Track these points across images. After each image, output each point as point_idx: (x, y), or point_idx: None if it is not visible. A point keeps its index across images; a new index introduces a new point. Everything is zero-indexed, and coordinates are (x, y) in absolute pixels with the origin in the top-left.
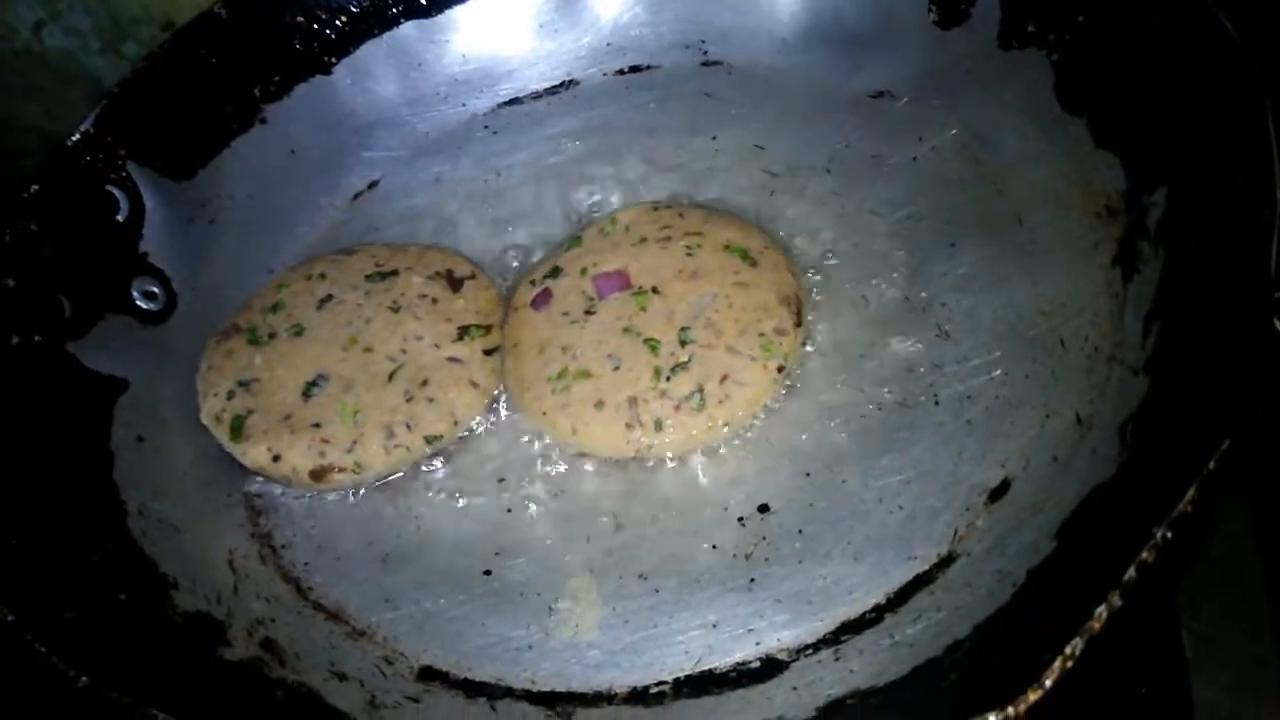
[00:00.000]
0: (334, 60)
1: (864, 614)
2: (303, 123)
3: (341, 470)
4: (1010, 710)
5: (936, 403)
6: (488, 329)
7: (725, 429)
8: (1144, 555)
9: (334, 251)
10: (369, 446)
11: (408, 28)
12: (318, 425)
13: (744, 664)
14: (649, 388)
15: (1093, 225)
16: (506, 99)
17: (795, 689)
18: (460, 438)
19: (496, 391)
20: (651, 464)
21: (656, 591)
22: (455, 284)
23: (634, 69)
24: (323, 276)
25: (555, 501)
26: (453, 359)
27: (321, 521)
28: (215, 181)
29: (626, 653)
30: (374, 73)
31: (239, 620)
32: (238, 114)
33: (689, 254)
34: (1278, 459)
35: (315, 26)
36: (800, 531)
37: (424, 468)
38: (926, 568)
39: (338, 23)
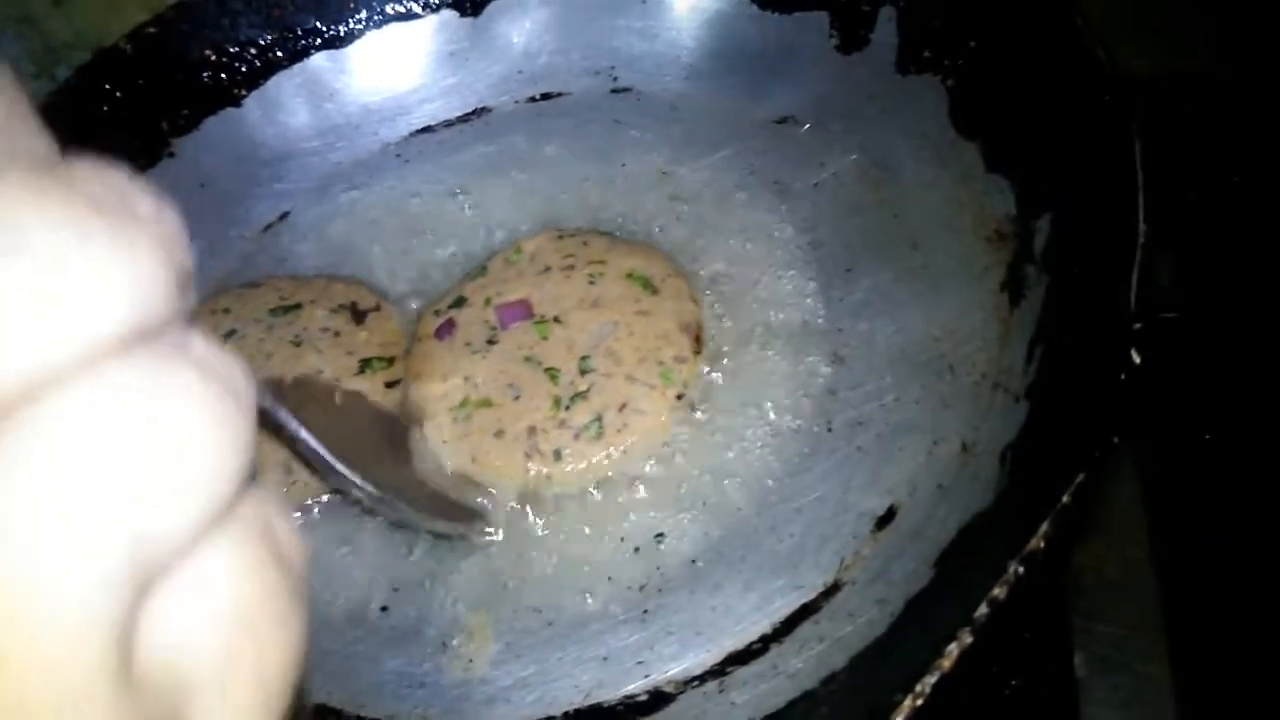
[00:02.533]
0: (244, 92)
1: (750, 644)
2: (212, 156)
3: None
4: None
5: (830, 429)
6: (390, 361)
7: (623, 456)
8: (997, 593)
9: (240, 285)
10: (267, 485)
11: (319, 58)
12: None
13: (632, 697)
14: (548, 417)
15: (984, 250)
16: (419, 127)
17: None
18: None
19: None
20: (550, 495)
21: (550, 624)
22: (359, 316)
23: (545, 96)
24: (227, 311)
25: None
26: (353, 393)
27: None
28: None
29: (517, 688)
30: (285, 104)
31: None
32: (144, 148)
33: (591, 282)
34: (1174, 480)
35: (224, 59)
36: (694, 561)
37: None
38: (812, 596)
39: (247, 55)
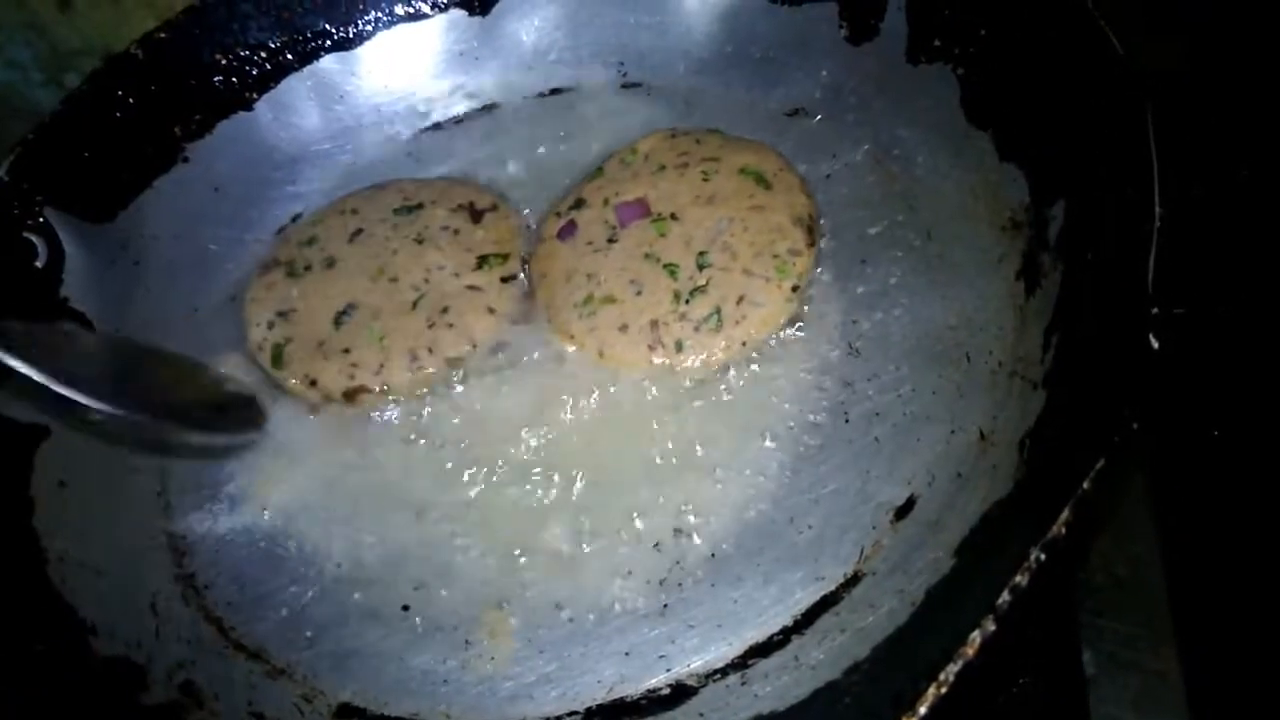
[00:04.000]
0: (255, 96)
1: (771, 637)
2: (225, 159)
3: (370, 392)
4: None
5: (846, 420)
6: (505, 258)
7: (742, 347)
8: (1019, 580)
9: (366, 188)
10: (395, 369)
11: (328, 60)
12: (348, 351)
13: (655, 691)
14: (669, 311)
15: (998, 239)
16: (429, 125)
17: (701, 715)
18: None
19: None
20: (575, 484)
21: (571, 621)
22: (476, 216)
23: (554, 91)
24: (354, 211)
25: (474, 534)
26: (472, 287)
27: (244, 561)
28: (137, 222)
29: (540, 684)
30: (296, 106)
31: (159, 664)
32: (159, 154)
33: (705, 179)
34: (1182, 478)
35: (235, 63)
36: (713, 555)
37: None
38: (833, 588)
39: (258, 59)
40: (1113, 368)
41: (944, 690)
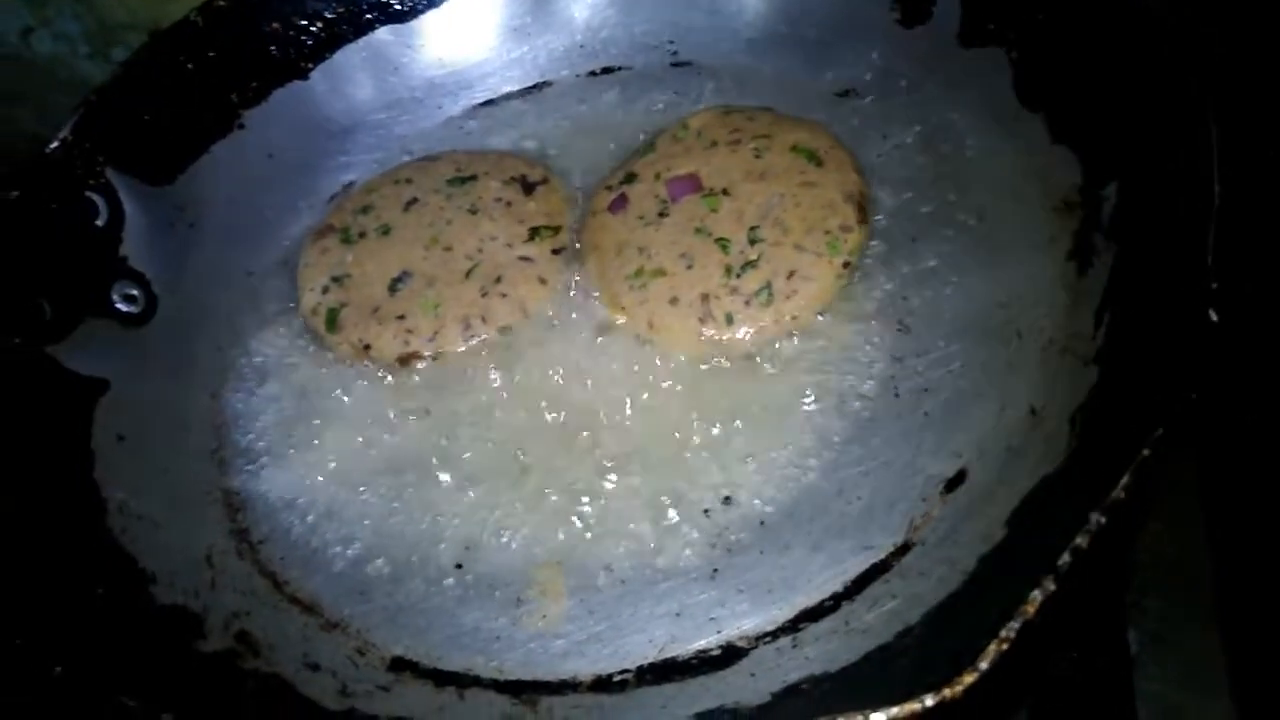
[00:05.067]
0: (311, 66)
1: (822, 602)
2: (280, 128)
3: (422, 357)
4: (946, 692)
5: (896, 395)
6: (556, 230)
7: (792, 321)
8: (1079, 541)
9: (419, 158)
10: (448, 336)
11: (383, 33)
12: (402, 317)
13: (705, 651)
14: (720, 284)
15: (1049, 219)
16: (481, 101)
17: (753, 675)
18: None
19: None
20: (624, 451)
21: (622, 583)
22: (528, 188)
23: (605, 70)
24: (409, 181)
25: (524, 498)
26: (524, 258)
27: (297, 518)
28: (194, 186)
29: (591, 642)
30: (350, 77)
31: (215, 613)
32: (216, 120)
33: (757, 156)
34: (1228, 459)
35: (292, 33)
36: (762, 523)
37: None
38: (883, 557)
39: (314, 29)
40: (1171, 341)
41: (1005, 647)
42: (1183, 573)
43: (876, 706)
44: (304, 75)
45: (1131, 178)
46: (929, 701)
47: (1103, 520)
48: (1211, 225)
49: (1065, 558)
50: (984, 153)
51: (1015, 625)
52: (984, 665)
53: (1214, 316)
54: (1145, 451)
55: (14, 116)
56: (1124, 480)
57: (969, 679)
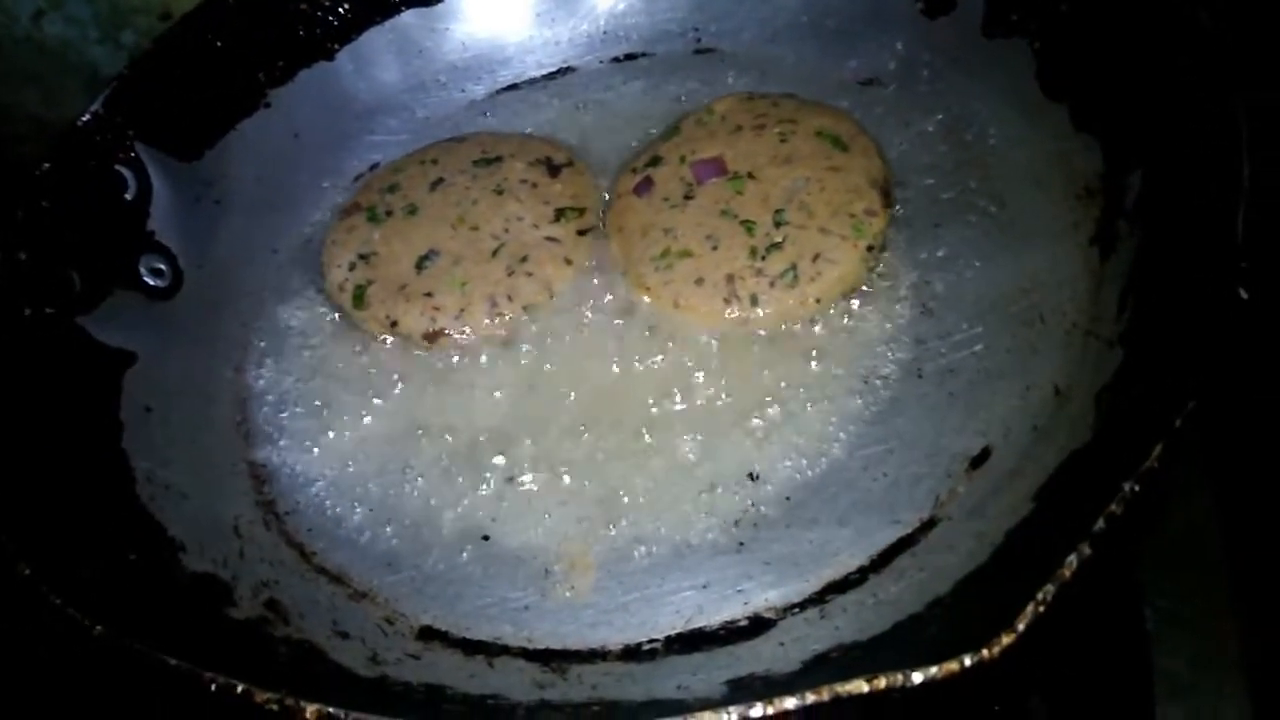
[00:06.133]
0: (337, 46)
1: (848, 575)
2: (306, 107)
3: (449, 335)
4: (984, 653)
5: (919, 376)
6: (582, 211)
7: (816, 304)
8: (1113, 508)
9: (445, 139)
10: (475, 314)
11: (409, 15)
12: (430, 295)
13: (732, 622)
14: (745, 266)
15: (1072, 206)
16: (504, 85)
17: (782, 645)
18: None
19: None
20: (649, 429)
21: (649, 555)
22: (554, 170)
23: (629, 56)
24: (435, 161)
25: (551, 472)
26: (550, 238)
27: (323, 489)
28: (221, 162)
29: (619, 612)
30: (376, 59)
31: (244, 582)
32: (243, 97)
33: (783, 140)
34: (1240, 443)
35: (319, 13)
36: (787, 499)
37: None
38: (909, 531)
39: (340, 9)
40: (1200, 318)
41: (1042, 610)
42: (1197, 556)
43: (914, 667)
44: (330, 56)
45: (1157, 164)
46: (967, 661)
47: (1136, 488)
48: (1241, 205)
49: (1100, 524)
50: (1006, 141)
51: (1051, 588)
52: (1021, 626)
53: (1244, 294)
54: (1177, 423)
55: (22, 100)
56: (1157, 451)
57: (1007, 639)
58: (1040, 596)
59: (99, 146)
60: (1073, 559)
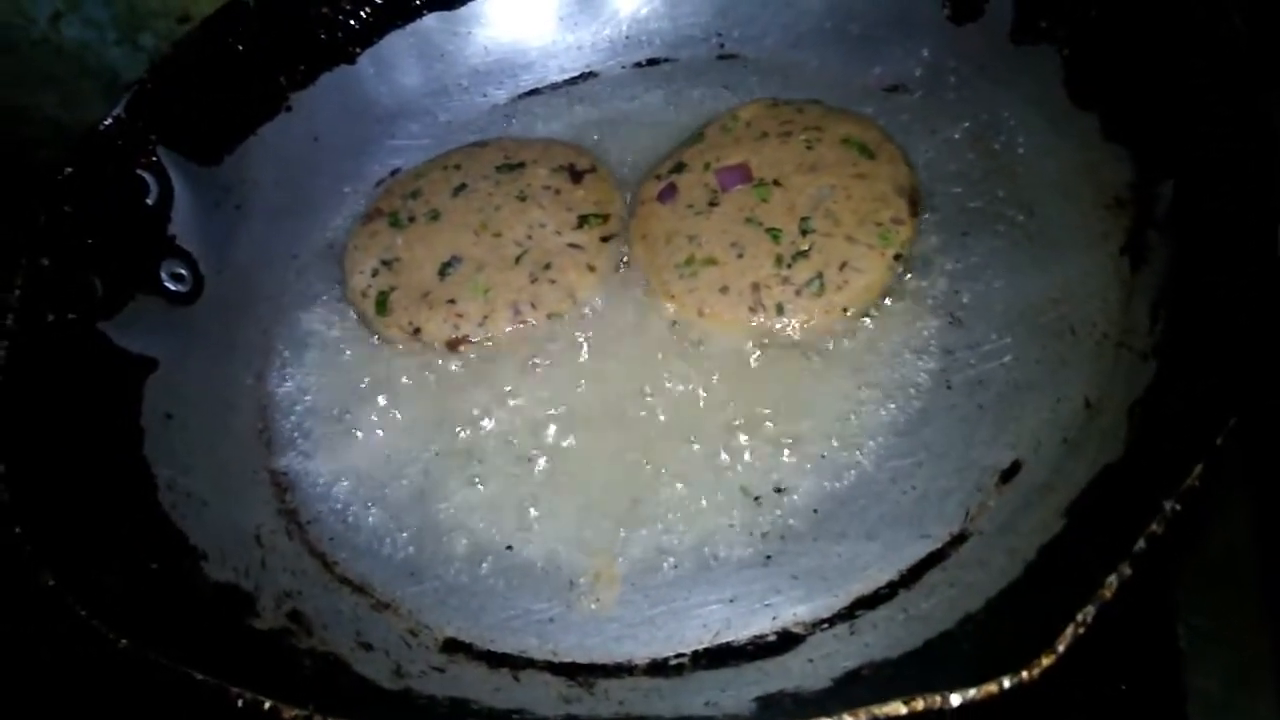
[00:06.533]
0: (358, 50)
1: (878, 590)
2: (327, 111)
3: (471, 342)
4: (1024, 674)
5: (949, 387)
6: (605, 218)
7: (843, 313)
8: (1154, 527)
9: (467, 144)
10: (498, 321)
11: (430, 19)
12: (452, 301)
13: (761, 637)
14: (771, 274)
15: (1102, 216)
16: (526, 90)
17: (811, 661)
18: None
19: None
20: (675, 438)
21: (675, 567)
22: (576, 176)
23: (652, 61)
24: (458, 167)
25: (575, 482)
26: (573, 245)
27: (345, 499)
28: (242, 167)
29: (645, 626)
30: (397, 63)
31: (267, 592)
32: (264, 101)
33: (809, 148)
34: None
35: (340, 17)
36: (815, 511)
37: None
38: (939, 546)
39: (362, 14)
40: (1237, 330)
41: (1082, 631)
42: (1232, 575)
43: (952, 689)
44: (351, 60)
45: (1189, 174)
46: (1006, 683)
47: (1177, 507)
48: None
49: (1140, 544)
50: (1034, 150)
51: (1092, 609)
52: (1061, 647)
53: None
54: (1219, 441)
55: (40, 103)
56: (1198, 469)
57: (1046, 661)
58: (1080, 617)
59: (120, 151)
60: (1113, 579)
